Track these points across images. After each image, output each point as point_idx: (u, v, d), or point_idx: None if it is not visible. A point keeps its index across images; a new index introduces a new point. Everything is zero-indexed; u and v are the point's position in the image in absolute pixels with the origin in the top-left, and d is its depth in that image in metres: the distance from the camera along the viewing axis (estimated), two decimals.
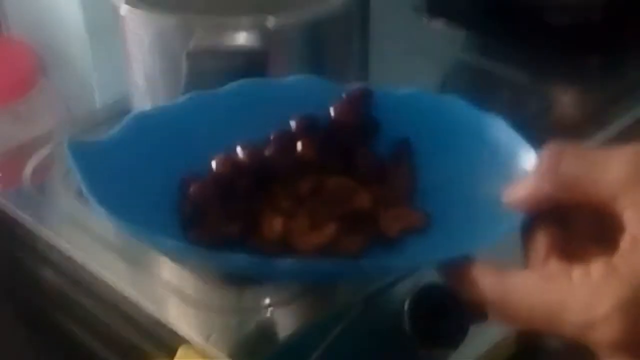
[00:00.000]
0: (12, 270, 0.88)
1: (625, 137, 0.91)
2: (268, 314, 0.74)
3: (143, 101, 0.80)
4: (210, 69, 0.70)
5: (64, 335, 0.87)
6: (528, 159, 0.64)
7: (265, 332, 0.73)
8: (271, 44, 0.73)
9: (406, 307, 0.76)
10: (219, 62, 0.70)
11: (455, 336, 0.77)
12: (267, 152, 0.66)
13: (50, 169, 0.90)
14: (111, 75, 0.97)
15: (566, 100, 0.99)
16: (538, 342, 0.87)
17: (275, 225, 0.65)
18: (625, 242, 0.55)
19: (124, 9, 0.77)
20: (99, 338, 0.83)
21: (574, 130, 0.91)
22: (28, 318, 0.93)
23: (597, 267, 0.55)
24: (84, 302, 0.82)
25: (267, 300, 0.75)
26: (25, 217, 0.85)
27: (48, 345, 0.90)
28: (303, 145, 0.66)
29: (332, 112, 0.68)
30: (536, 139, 0.89)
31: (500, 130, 0.67)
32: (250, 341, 0.72)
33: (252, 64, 0.71)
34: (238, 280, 0.76)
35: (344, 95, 0.68)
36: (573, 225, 0.60)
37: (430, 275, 0.77)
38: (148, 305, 0.75)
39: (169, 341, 0.73)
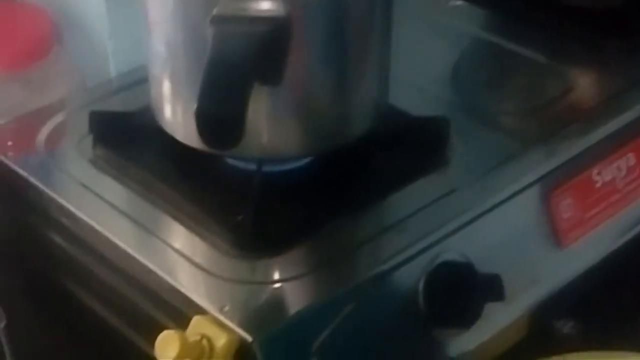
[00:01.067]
0: (23, 236, 0.87)
1: None
2: (281, 287, 0.73)
3: (163, 70, 0.79)
4: (235, 36, 0.69)
5: (74, 302, 0.86)
6: None
7: (279, 305, 0.73)
8: (296, 11, 0.72)
9: (421, 285, 0.75)
10: (243, 29, 0.69)
11: (469, 316, 0.76)
12: None
13: (63, 135, 0.89)
14: (128, 43, 0.96)
15: (585, 83, 0.99)
16: (549, 326, 0.87)
17: None
18: None
19: None
20: (110, 306, 0.82)
21: (593, 113, 0.90)
22: (37, 283, 0.92)
23: None
24: (94, 269, 0.82)
25: (280, 274, 0.74)
26: (37, 183, 0.84)
27: (57, 311, 0.90)
28: None
29: None
30: (555, 121, 0.89)
31: None
32: (263, 314, 0.72)
33: (276, 31, 0.71)
34: (251, 252, 0.75)
35: None
36: None
37: (447, 254, 0.76)
38: (161, 273, 0.74)
39: (182, 310, 0.72)
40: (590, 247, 0.86)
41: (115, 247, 0.78)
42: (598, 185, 0.86)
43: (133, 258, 0.76)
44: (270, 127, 0.78)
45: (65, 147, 0.88)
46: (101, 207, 0.81)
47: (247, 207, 0.76)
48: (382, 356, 0.74)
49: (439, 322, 0.76)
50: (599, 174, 0.86)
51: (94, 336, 0.85)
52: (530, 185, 0.82)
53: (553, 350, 0.83)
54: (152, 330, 0.71)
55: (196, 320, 0.70)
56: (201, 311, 0.71)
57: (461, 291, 0.76)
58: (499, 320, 0.80)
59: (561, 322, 0.88)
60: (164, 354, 0.67)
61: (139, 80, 0.88)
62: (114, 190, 0.82)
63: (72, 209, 0.81)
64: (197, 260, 0.75)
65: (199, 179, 0.81)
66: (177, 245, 0.77)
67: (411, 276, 0.75)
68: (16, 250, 0.90)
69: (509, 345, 0.83)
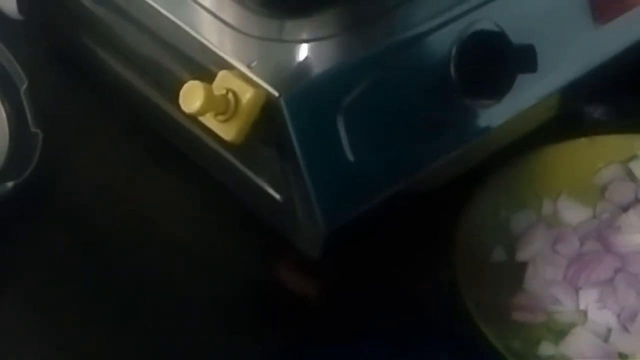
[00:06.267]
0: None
1: None
2: (310, 47, 0.72)
3: None
4: None
5: (98, 65, 0.85)
6: None
7: (307, 64, 0.72)
8: None
9: (453, 52, 0.73)
10: None
11: (501, 86, 0.75)
12: None
13: None
14: None
15: None
16: (580, 110, 0.86)
17: None
18: None
19: None
20: (135, 67, 0.81)
21: None
22: (62, 48, 0.91)
23: None
24: (120, 29, 0.80)
25: (310, 33, 0.72)
26: None
27: (81, 75, 0.89)
28: None
29: None
30: None
31: None
32: (291, 71, 0.71)
33: None
34: (279, 12, 0.73)
35: None
36: None
37: (481, 23, 0.74)
38: (188, 30, 0.73)
39: (209, 68, 0.71)
40: (626, 28, 0.84)
41: (142, 4, 0.76)
42: None
43: (160, 15, 0.75)
44: None
45: None
46: None
47: None
48: (411, 121, 0.73)
49: (469, 91, 0.74)
50: None
51: (117, 98, 0.85)
52: None
53: (582, 133, 0.82)
54: (178, 91, 0.70)
55: (222, 74, 0.68)
56: (228, 67, 0.69)
57: (493, 60, 0.74)
58: (530, 94, 0.78)
59: (592, 107, 0.87)
60: (188, 104, 0.66)
61: None
62: None
63: None
64: (225, 17, 0.73)
65: None
66: (206, 2, 0.75)
67: (444, 43, 0.73)
68: (42, 13, 0.88)
69: (538, 123, 0.82)
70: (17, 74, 0.83)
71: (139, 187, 0.84)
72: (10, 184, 0.77)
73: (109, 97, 0.86)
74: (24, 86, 0.83)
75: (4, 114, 0.82)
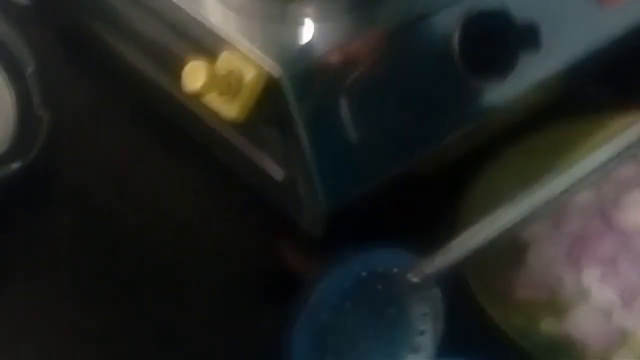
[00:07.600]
0: None
1: None
2: (313, 28, 0.72)
3: None
4: None
5: (104, 49, 0.86)
6: None
7: (309, 45, 0.72)
8: None
9: (457, 32, 0.73)
10: None
11: (504, 65, 0.75)
12: None
13: None
14: None
15: None
16: (584, 89, 0.86)
17: None
18: None
19: None
20: (140, 50, 0.82)
21: None
22: (70, 32, 0.91)
23: None
24: (125, 11, 0.81)
25: (311, 14, 0.73)
26: None
27: (88, 60, 0.90)
28: None
29: None
30: None
31: None
32: (293, 52, 0.71)
33: None
34: None
35: None
36: None
37: (485, 1, 0.74)
38: (191, 11, 0.73)
39: (212, 49, 0.71)
40: (631, 10, 0.84)
41: None
42: None
43: None
44: None
45: None
46: None
47: None
48: (414, 101, 0.74)
49: (473, 70, 0.74)
50: None
51: (124, 82, 0.85)
52: None
53: (586, 114, 0.82)
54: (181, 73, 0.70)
55: (225, 55, 0.69)
56: (231, 48, 0.70)
57: (497, 39, 0.74)
58: (534, 74, 0.78)
59: (596, 87, 0.87)
60: (190, 83, 0.67)
61: None
62: None
63: None
64: None
65: None
66: None
67: (448, 22, 0.73)
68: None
69: (542, 103, 0.82)
70: (24, 57, 0.84)
71: (144, 171, 0.84)
72: (15, 166, 0.78)
73: (115, 80, 0.86)
74: (31, 69, 0.83)
75: (10, 97, 0.83)
